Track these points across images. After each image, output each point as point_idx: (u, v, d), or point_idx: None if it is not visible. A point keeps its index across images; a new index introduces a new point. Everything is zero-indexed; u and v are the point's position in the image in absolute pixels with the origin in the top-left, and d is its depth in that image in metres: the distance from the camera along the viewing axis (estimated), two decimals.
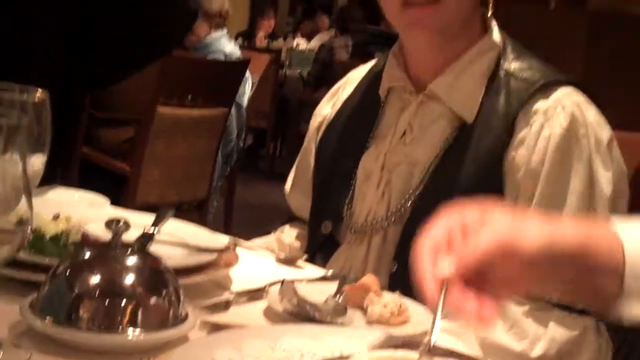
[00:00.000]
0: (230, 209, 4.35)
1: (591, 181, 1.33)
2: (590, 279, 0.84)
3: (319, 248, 1.54)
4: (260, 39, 8.89)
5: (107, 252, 0.92)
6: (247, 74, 4.28)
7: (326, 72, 6.37)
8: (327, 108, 1.64)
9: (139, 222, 1.31)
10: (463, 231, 0.87)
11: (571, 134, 1.34)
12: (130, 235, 1.22)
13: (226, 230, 4.26)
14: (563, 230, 0.84)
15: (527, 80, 1.40)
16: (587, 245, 0.84)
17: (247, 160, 6.99)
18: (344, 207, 1.50)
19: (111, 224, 0.92)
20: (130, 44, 2.02)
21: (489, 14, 1.54)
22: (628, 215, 1.34)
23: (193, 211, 3.61)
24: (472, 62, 1.44)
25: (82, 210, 1.32)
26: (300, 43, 8.96)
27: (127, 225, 0.93)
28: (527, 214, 0.85)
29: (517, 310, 1.31)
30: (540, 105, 1.37)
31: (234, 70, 3.73)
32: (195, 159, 3.48)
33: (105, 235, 0.98)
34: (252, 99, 4.88)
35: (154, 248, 1.21)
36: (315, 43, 8.64)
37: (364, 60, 1.73)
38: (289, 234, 1.65)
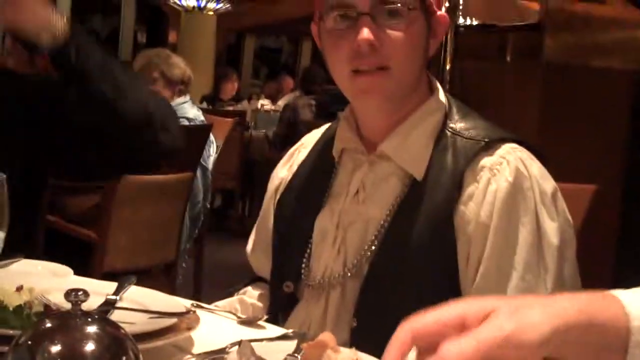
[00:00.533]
0: (199, 270, 4.36)
1: (538, 232, 1.38)
2: (595, 352, 0.83)
3: (281, 308, 1.57)
4: (226, 102, 8.97)
5: (68, 322, 0.95)
6: (212, 137, 4.34)
7: (291, 131, 6.45)
8: (283, 171, 1.69)
9: (101, 290, 1.35)
10: (461, 325, 0.84)
11: (517, 188, 1.40)
12: (93, 304, 1.26)
13: (196, 292, 4.28)
14: (565, 310, 0.82)
15: (472, 139, 1.46)
16: (592, 320, 0.82)
17: (216, 221, 7.01)
18: (302, 265, 1.54)
19: (70, 294, 0.95)
20: (91, 161, 1.92)
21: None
22: (576, 263, 1.40)
23: (161, 275, 3.62)
24: (420, 123, 1.50)
25: (46, 281, 1.35)
26: (265, 104, 9.06)
27: (86, 295, 0.96)
28: (526, 298, 0.85)
29: None
30: (486, 161, 1.43)
31: (197, 134, 3.78)
32: (161, 224, 3.51)
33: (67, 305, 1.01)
34: (218, 161, 4.93)
35: (116, 315, 1.25)
36: (280, 103, 8.75)
37: (329, 119, 1.79)
38: (251, 295, 1.69)
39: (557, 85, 4.87)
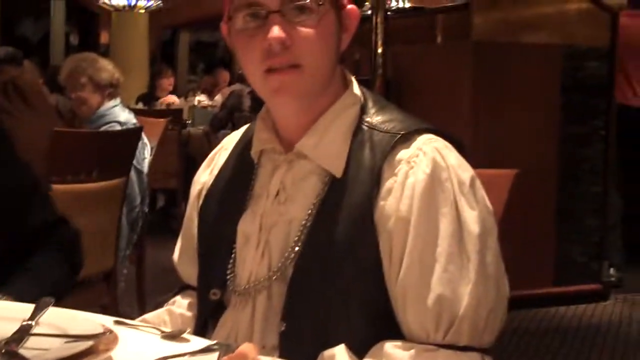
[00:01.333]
0: (141, 275, 4.30)
1: (459, 222, 1.38)
2: None
3: (209, 315, 1.55)
4: (163, 101, 8.88)
5: None
6: (145, 139, 4.28)
7: (232, 116, 6.43)
8: (205, 175, 1.67)
9: (17, 315, 1.31)
10: None
11: (434, 179, 1.39)
12: (9, 330, 1.22)
13: (139, 297, 4.22)
14: None
15: (389, 132, 1.45)
16: None
17: (160, 222, 6.95)
18: (227, 271, 1.52)
19: None
20: None
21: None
22: (498, 251, 1.40)
23: (102, 284, 3.56)
24: (336, 118, 1.49)
25: None
26: (202, 100, 8.99)
27: None
28: None
29: (403, 354, 1.34)
30: (403, 154, 1.42)
31: (128, 138, 3.73)
32: (97, 232, 3.44)
33: None
34: (157, 161, 4.87)
35: (31, 342, 1.21)
36: (217, 99, 8.69)
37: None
38: (180, 305, 1.66)
39: (487, 64, 4.92)
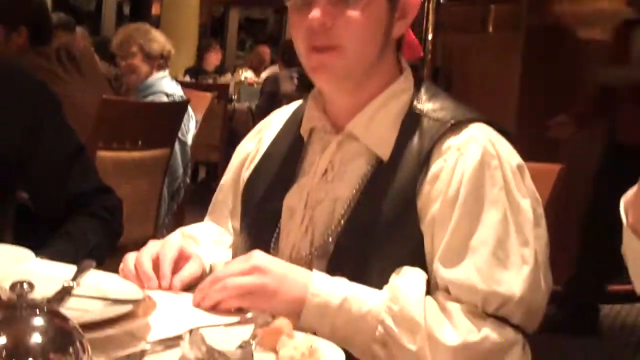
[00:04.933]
0: None
1: (511, 208, 1.37)
2: None
3: None
4: (209, 74, 8.92)
5: (13, 314, 0.94)
6: (191, 112, 4.31)
7: (273, 104, 6.41)
8: (250, 144, 1.69)
9: (60, 275, 1.34)
10: None
11: (484, 166, 1.39)
12: (50, 289, 1.25)
13: None
14: None
15: (439, 120, 1.45)
16: None
17: (200, 194, 7.00)
18: (271, 244, 1.54)
19: (15, 286, 0.94)
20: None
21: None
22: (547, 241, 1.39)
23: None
24: (387, 103, 1.49)
25: (4, 267, 1.34)
26: (249, 76, 9.01)
27: (31, 287, 0.94)
28: None
29: (454, 305, 1.34)
30: (453, 141, 1.42)
31: (174, 110, 3.76)
32: (139, 200, 3.48)
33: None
34: (201, 135, 4.90)
35: (72, 302, 1.24)
36: (263, 76, 8.70)
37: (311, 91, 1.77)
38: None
39: (537, 55, 4.86)
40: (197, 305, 1.36)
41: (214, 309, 1.34)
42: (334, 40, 1.42)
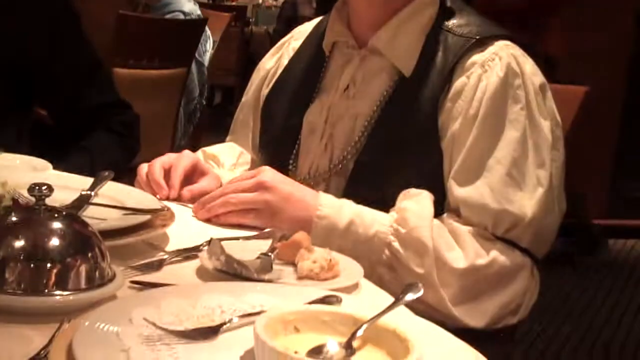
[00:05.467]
0: None
1: (531, 128, 1.35)
2: None
3: None
4: None
5: (32, 216, 0.93)
6: (208, 32, 4.26)
7: (291, 28, 6.32)
8: (270, 62, 1.66)
9: (77, 185, 1.33)
10: None
11: (507, 84, 1.36)
12: (67, 199, 1.24)
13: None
14: None
15: (464, 36, 1.42)
16: None
17: (215, 117, 6.97)
18: (290, 161, 1.52)
19: (34, 189, 0.93)
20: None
21: None
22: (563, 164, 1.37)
23: None
24: (412, 17, 1.46)
25: (22, 176, 1.33)
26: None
27: (50, 190, 0.93)
28: None
29: (463, 228, 1.33)
30: (477, 57, 1.39)
31: (192, 29, 3.71)
32: (155, 119, 3.47)
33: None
34: (217, 57, 4.85)
35: (90, 211, 1.23)
36: None
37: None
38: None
39: None
40: (195, 213, 1.34)
41: (210, 221, 1.32)
42: None
